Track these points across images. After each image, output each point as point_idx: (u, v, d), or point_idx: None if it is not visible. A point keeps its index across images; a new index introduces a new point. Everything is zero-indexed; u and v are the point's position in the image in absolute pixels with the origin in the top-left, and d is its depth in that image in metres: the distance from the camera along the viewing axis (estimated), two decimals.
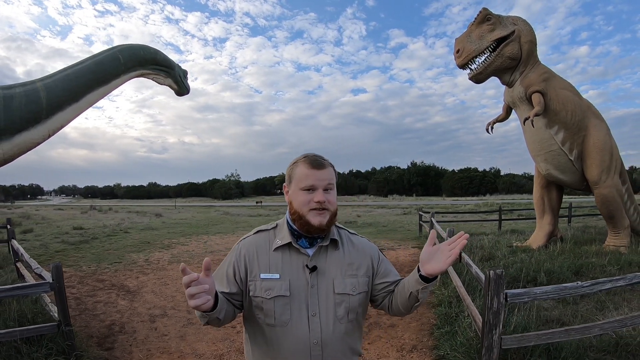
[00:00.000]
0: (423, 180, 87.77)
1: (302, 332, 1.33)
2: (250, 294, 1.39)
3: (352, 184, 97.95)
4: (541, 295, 2.70)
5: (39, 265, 3.94)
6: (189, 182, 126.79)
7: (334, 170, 1.45)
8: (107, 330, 4.47)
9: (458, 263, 5.10)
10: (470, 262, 3.69)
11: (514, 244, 8.92)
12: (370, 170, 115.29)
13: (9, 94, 5.87)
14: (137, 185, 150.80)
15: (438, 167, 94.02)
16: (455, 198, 62.17)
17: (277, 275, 1.37)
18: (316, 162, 1.38)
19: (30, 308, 3.81)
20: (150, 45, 7.61)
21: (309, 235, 1.40)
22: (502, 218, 15.53)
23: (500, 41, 7.52)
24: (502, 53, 7.48)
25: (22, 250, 5.04)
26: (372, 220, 20.60)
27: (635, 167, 76.66)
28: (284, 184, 1.47)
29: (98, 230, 15.55)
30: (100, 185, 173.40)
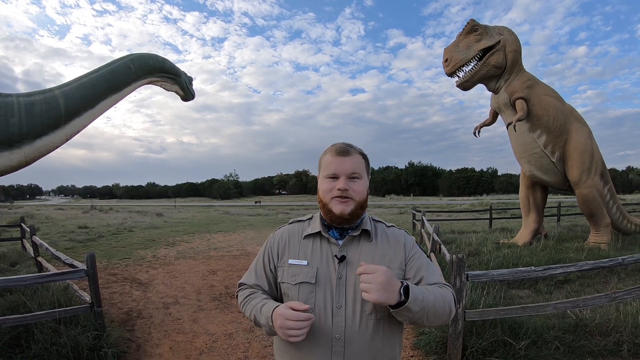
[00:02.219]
0: (420, 180, 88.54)
1: (326, 324, 1.29)
2: (278, 279, 1.42)
3: None
4: (498, 277, 3.23)
5: (68, 257, 4.45)
6: (187, 182, 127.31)
7: (364, 159, 1.42)
8: (126, 316, 4.98)
9: (438, 254, 5.64)
10: (445, 252, 4.23)
11: (501, 241, 9.43)
12: None
13: (30, 101, 6.36)
14: (135, 185, 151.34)
15: (435, 167, 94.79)
16: (452, 198, 62.83)
17: (305, 262, 1.37)
18: (341, 149, 1.37)
19: (62, 294, 4.31)
20: (156, 53, 8.12)
21: (336, 225, 1.39)
22: (495, 217, 16.22)
23: (486, 51, 8.03)
24: (487, 62, 7.99)
25: (46, 245, 5.54)
26: None
27: (632, 167, 77.27)
28: (317, 174, 1.48)
29: (103, 229, 16.02)
30: (99, 185, 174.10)
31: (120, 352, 3.70)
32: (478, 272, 3.15)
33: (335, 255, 1.35)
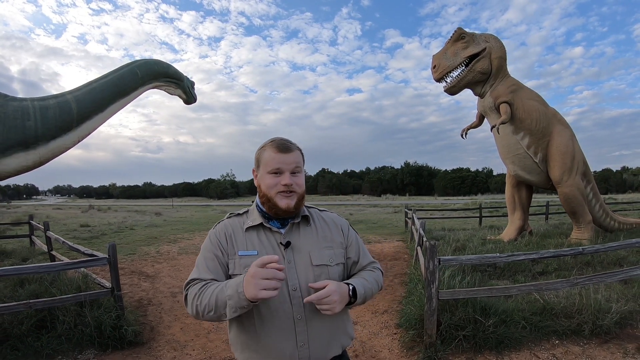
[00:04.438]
0: (416, 180, 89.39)
1: (285, 308, 1.36)
2: (230, 272, 1.42)
3: (347, 183, 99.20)
4: (466, 261, 3.73)
5: (87, 248, 4.92)
6: (184, 182, 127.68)
7: (302, 154, 1.49)
8: (137, 303, 5.46)
9: (423, 246, 6.12)
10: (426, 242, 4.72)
11: (488, 237, 9.89)
12: (364, 170, 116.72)
13: (44, 105, 6.80)
14: (132, 185, 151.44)
15: (431, 167, 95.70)
16: (447, 197, 63.48)
17: (255, 252, 1.40)
18: (283, 145, 1.42)
19: (82, 281, 4.79)
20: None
21: (280, 217, 1.45)
22: (486, 215, 16.78)
23: (472, 57, 8.51)
24: (473, 68, 8.47)
25: (62, 239, 5.99)
26: (364, 218, 21.61)
27: (627, 167, 78.10)
28: (253, 167, 1.51)
29: (104, 227, 16.44)
30: (95, 185, 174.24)
31: (137, 331, 4.17)
32: (449, 257, 3.65)
33: (281, 242, 1.43)
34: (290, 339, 1.35)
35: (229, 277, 1.42)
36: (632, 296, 4.90)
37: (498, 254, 3.80)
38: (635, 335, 4.15)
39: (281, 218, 1.46)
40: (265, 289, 1.17)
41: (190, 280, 1.42)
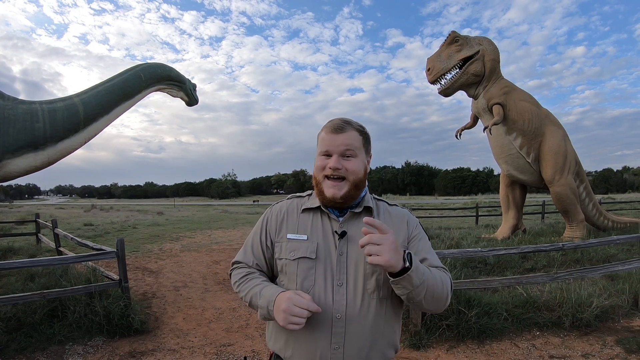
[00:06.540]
0: (417, 180, 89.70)
1: (326, 303, 1.24)
2: (276, 256, 1.37)
3: None
4: (449, 255, 3.99)
5: (95, 244, 5.21)
6: (185, 182, 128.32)
7: (362, 134, 1.35)
8: (142, 297, 5.73)
9: None
10: None
11: (482, 236, 10.13)
12: None
13: (52, 108, 7.09)
14: (134, 184, 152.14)
15: (432, 167, 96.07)
16: (447, 197, 63.70)
17: (305, 237, 1.32)
18: (335, 126, 1.31)
19: (91, 274, 5.07)
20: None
21: (329, 206, 1.34)
22: (484, 214, 17.04)
23: (466, 60, 8.76)
24: (467, 70, 8.71)
25: (71, 235, 6.27)
26: None
27: (628, 166, 78.17)
28: None
29: (107, 226, 16.72)
30: (97, 185, 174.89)
31: (143, 320, 4.46)
32: None
33: (336, 231, 1.31)
34: (324, 337, 1.23)
35: (272, 262, 1.41)
36: (616, 291, 5.09)
37: (479, 249, 4.06)
38: (616, 329, 4.36)
39: (338, 207, 1.35)
40: (293, 323, 1.14)
41: (236, 261, 1.47)
